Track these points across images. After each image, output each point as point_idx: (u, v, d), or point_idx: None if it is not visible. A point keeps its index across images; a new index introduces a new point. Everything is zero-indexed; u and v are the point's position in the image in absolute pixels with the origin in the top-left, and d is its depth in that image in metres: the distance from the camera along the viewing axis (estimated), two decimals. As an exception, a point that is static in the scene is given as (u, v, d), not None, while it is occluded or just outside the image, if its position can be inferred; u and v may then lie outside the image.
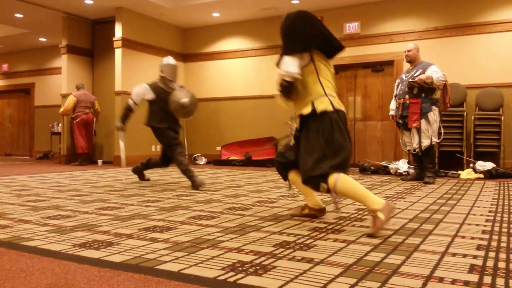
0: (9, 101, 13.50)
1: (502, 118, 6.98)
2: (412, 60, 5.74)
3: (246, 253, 2.13)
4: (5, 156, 13.13)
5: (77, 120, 8.87)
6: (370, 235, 2.48)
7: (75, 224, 2.85)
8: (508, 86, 7.19)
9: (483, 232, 2.63)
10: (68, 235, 2.53)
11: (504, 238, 2.46)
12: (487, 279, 1.75)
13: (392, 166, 6.76)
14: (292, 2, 8.29)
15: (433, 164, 5.68)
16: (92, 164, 9.24)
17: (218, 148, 9.70)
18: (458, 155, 6.99)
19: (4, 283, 1.71)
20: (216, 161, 9.20)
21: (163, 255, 2.08)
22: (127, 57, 8.78)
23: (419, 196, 4.23)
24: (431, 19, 7.79)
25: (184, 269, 1.87)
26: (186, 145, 10.01)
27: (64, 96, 9.25)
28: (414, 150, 5.66)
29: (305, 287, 1.65)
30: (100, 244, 2.30)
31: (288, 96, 2.89)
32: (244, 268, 1.89)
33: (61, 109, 8.97)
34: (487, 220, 3.01)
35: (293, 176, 3.06)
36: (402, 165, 6.66)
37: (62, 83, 9.51)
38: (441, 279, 1.74)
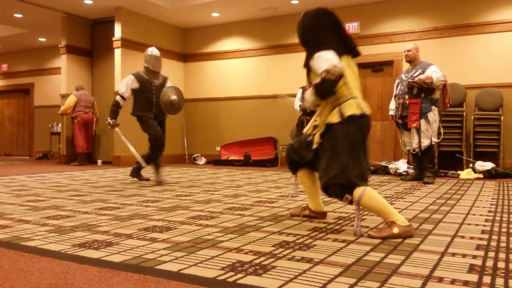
0: (9, 101, 13.49)
1: (502, 118, 6.98)
2: (412, 60, 5.74)
3: (246, 253, 2.14)
4: (4, 156, 13.12)
5: (77, 120, 8.88)
6: (371, 237, 2.47)
7: (74, 224, 2.85)
8: (507, 86, 7.19)
9: (483, 232, 2.64)
10: (67, 235, 2.53)
11: (503, 238, 2.46)
12: (487, 279, 1.75)
13: (392, 166, 6.76)
14: (292, 2, 8.29)
15: (432, 164, 5.68)
16: (92, 164, 9.23)
17: (218, 148, 9.70)
18: (457, 155, 6.99)
19: (4, 283, 1.71)
20: (215, 161, 9.20)
21: (163, 255, 2.09)
22: (127, 57, 8.78)
23: (419, 196, 4.23)
24: (430, 19, 7.79)
25: (183, 269, 1.87)
26: (186, 145, 10.03)
27: (64, 96, 9.25)
28: (414, 150, 5.66)
29: (305, 287, 1.66)
30: (100, 244, 2.30)
31: (326, 97, 2.62)
32: (243, 268, 1.89)
33: (61, 109, 8.98)
34: (486, 220, 3.01)
35: (303, 175, 3.00)
36: (402, 165, 6.66)
37: (62, 83, 9.50)
38: (440, 279, 1.75)
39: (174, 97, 5.40)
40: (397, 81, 5.93)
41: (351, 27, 8.34)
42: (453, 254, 2.12)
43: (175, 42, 10.12)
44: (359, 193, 2.52)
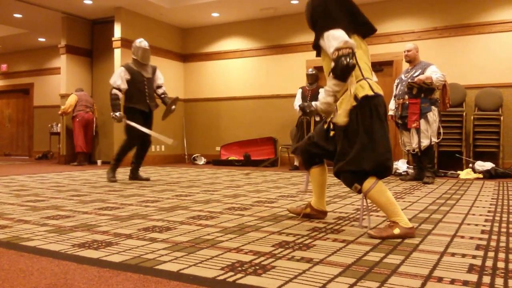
0: (8, 101, 13.49)
1: (501, 118, 6.98)
2: (412, 60, 5.75)
3: (245, 253, 2.14)
4: (4, 156, 13.12)
5: (78, 119, 8.90)
6: (371, 236, 2.47)
7: (74, 224, 2.85)
8: (507, 86, 7.20)
9: (482, 232, 2.64)
10: (67, 235, 2.53)
11: (503, 238, 2.47)
12: (486, 279, 1.75)
13: (392, 166, 6.75)
14: (292, 2, 8.29)
15: (432, 164, 5.68)
16: (92, 164, 9.23)
17: (218, 148, 9.70)
18: (457, 155, 6.99)
19: (3, 283, 1.71)
20: (215, 161, 9.20)
21: (163, 255, 2.09)
22: (126, 57, 8.74)
23: (418, 196, 4.24)
24: (430, 20, 7.79)
25: (183, 269, 1.87)
26: (185, 145, 10.03)
27: (63, 96, 9.25)
28: (413, 150, 5.67)
29: (304, 287, 1.66)
30: (99, 244, 2.30)
31: (347, 77, 2.46)
32: (243, 268, 1.89)
33: (63, 107, 8.98)
34: (486, 220, 3.01)
35: (316, 172, 2.94)
36: (402, 165, 6.67)
37: (61, 83, 9.50)
38: (440, 279, 1.75)
39: (174, 107, 5.79)
40: (396, 81, 5.93)
41: (351, 27, 8.34)
42: (453, 254, 2.12)
43: (175, 42, 10.12)
44: (369, 185, 2.50)
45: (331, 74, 2.49)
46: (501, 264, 1.95)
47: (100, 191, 4.66)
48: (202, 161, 9.60)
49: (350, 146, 2.50)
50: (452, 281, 1.72)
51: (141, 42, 5.64)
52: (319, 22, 2.58)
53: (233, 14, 9.18)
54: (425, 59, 6.01)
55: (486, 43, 7.37)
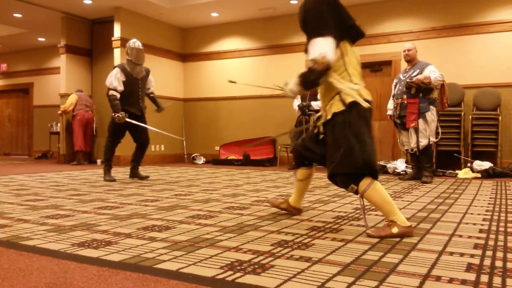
0: (8, 100, 13.49)
1: (500, 117, 6.99)
2: (411, 60, 5.76)
3: (245, 252, 2.14)
4: (4, 155, 13.11)
5: (78, 117, 8.93)
6: (370, 236, 2.48)
7: (74, 223, 2.86)
8: (505, 86, 7.21)
9: (480, 231, 2.65)
10: (66, 234, 2.54)
11: (501, 237, 2.47)
12: (484, 278, 1.76)
13: (390, 165, 6.77)
14: (291, 2, 8.29)
15: (430, 163, 5.70)
16: (91, 163, 9.24)
17: (217, 148, 9.71)
18: (455, 154, 7.00)
19: (3, 282, 1.72)
20: (215, 161, 9.21)
21: (162, 254, 2.09)
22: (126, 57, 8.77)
23: (417, 195, 4.25)
24: (428, 20, 7.80)
25: (182, 268, 1.88)
26: (185, 144, 10.03)
27: (63, 96, 9.26)
28: (412, 150, 5.68)
29: (303, 286, 1.66)
30: (99, 243, 2.31)
31: (309, 88, 2.67)
32: (242, 267, 1.89)
33: (63, 106, 9.00)
34: (484, 219, 3.02)
35: (303, 173, 3.04)
36: (400, 165, 6.68)
37: (61, 83, 9.50)
38: (438, 278, 1.75)
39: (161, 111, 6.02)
40: (395, 81, 5.94)
41: (350, 27, 8.34)
42: (451, 253, 2.13)
43: (174, 42, 10.12)
44: (365, 185, 2.53)
45: (299, 76, 2.60)
46: (499, 263, 1.96)
47: (100, 190, 4.66)
48: (201, 160, 9.61)
49: (339, 149, 2.54)
50: (450, 280, 1.73)
51: (135, 43, 5.66)
52: (311, 26, 2.59)
53: (232, 14, 9.19)
54: (423, 59, 6.02)
55: (484, 43, 7.38)
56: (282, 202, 3.22)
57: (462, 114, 7.11)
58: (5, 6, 8.76)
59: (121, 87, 5.45)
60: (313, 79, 2.53)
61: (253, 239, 2.42)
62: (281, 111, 8.88)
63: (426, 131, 5.51)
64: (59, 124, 9.94)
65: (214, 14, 9.20)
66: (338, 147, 2.55)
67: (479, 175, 6.19)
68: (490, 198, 4.11)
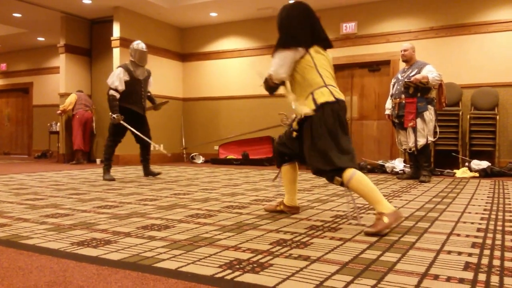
0: (8, 100, 13.48)
1: (497, 117, 7.00)
2: (408, 60, 5.77)
3: (243, 251, 2.15)
4: (3, 155, 13.11)
5: (77, 116, 8.96)
6: (368, 234, 2.50)
7: (73, 222, 2.87)
8: (503, 86, 7.22)
9: (478, 230, 2.66)
10: (66, 233, 2.54)
11: (498, 236, 2.48)
12: (482, 277, 1.76)
13: (388, 165, 6.78)
14: (289, 2, 8.28)
15: (428, 163, 5.71)
16: (91, 163, 9.24)
17: (216, 147, 9.71)
18: (453, 154, 7.02)
19: (3, 281, 1.73)
20: (214, 160, 9.22)
21: (161, 253, 2.10)
22: (125, 57, 8.74)
23: (415, 195, 4.26)
24: (427, 20, 7.81)
25: (181, 267, 1.89)
26: (184, 144, 10.04)
27: (63, 96, 9.27)
28: (410, 149, 5.69)
29: (302, 285, 1.67)
30: (98, 242, 2.32)
31: (271, 93, 3.01)
32: (241, 265, 1.90)
33: (62, 105, 9.01)
34: (482, 218, 3.03)
35: (287, 170, 3.13)
36: (398, 164, 6.69)
37: (60, 82, 9.50)
38: (436, 277, 1.76)
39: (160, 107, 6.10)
40: (393, 80, 5.95)
41: (348, 27, 8.36)
42: (449, 252, 2.13)
43: (174, 41, 10.12)
44: (348, 176, 2.64)
45: (264, 81, 2.97)
46: (496, 262, 1.97)
47: (99, 189, 4.67)
48: (200, 160, 9.62)
49: (316, 149, 2.71)
50: (448, 279, 1.73)
51: (139, 44, 5.73)
52: (280, 35, 2.90)
53: (231, 14, 9.19)
54: (421, 58, 6.04)
55: (482, 42, 7.39)
56: (278, 205, 3.25)
57: (460, 113, 7.12)
58: (4, 6, 8.76)
59: (122, 87, 5.50)
60: (268, 88, 2.98)
61: (252, 238, 2.43)
62: (280, 110, 8.86)
63: (424, 130, 5.53)
64: (58, 124, 9.95)
65: (213, 14, 9.21)
66: (315, 147, 2.72)
67: (477, 174, 6.21)
68: (488, 197, 4.13)
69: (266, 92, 3.07)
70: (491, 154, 7.05)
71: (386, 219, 2.50)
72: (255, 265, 1.91)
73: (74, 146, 9.00)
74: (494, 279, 1.74)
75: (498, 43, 7.28)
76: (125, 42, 8.76)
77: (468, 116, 7.12)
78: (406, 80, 5.56)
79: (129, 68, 5.62)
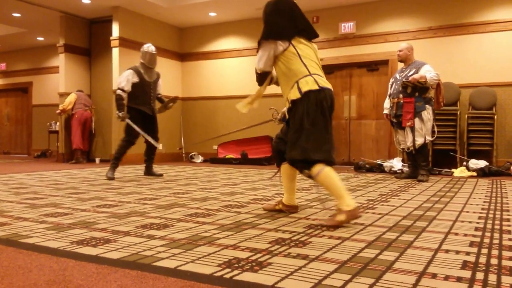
0: (7, 99, 13.47)
1: (495, 116, 7.01)
2: (403, 60, 5.79)
3: (242, 250, 2.16)
4: (3, 154, 13.10)
5: (76, 116, 8.97)
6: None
7: (72, 221, 2.87)
8: (501, 86, 7.23)
9: (476, 229, 2.66)
10: (65, 232, 2.55)
11: (496, 235, 2.49)
12: (480, 275, 1.77)
13: (387, 164, 6.79)
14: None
15: (426, 162, 5.73)
16: (90, 162, 9.24)
17: (215, 147, 9.71)
18: (451, 153, 7.03)
19: (3, 279, 1.73)
20: (213, 160, 9.22)
21: (160, 252, 2.11)
22: (124, 56, 8.78)
23: (413, 194, 4.27)
24: (425, 19, 7.82)
25: (180, 265, 1.90)
26: (183, 143, 10.04)
27: (62, 95, 9.27)
28: (408, 149, 5.70)
29: (301, 283, 1.68)
30: (98, 241, 2.32)
31: (261, 84, 3.12)
32: (240, 264, 1.91)
33: (60, 106, 9.01)
34: (479, 218, 3.04)
35: (286, 168, 3.16)
36: (396, 163, 6.70)
37: (60, 82, 9.49)
38: (434, 275, 1.77)
39: (171, 104, 6.13)
40: (391, 80, 5.97)
41: (347, 27, 8.37)
42: (447, 251, 2.14)
43: (172, 41, 10.13)
44: (317, 170, 2.76)
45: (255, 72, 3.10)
46: (494, 261, 1.98)
47: (99, 189, 4.68)
48: (199, 159, 9.62)
49: (296, 136, 2.81)
50: (446, 278, 1.74)
51: (149, 47, 5.94)
52: (264, 28, 2.97)
53: (230, 13, 9.19)
54: (420, 58, 6.05)
55: (480, 42, 7.40)
56: (276, 204, 3.28)
57: (458, 113, 7.13)
58: (4, 6, 8.76)
59: (128, 88, 5.66)
60: (258, 79, 3.12)
61: (250, 237, 2.44)
62: (279, 110, 8.88)
63: (422, 130, 5.54)
64: (58, 123, 9.95)
65: (212, 14, 9.21)
66: (296, 136, 2.81)
67: (474, 173, 6.22)
68: (486, 196, 4.14)
69: (265, 92, 3.13)
70: (489, 153, 7.06)
71: (340, 217, 2.66)
72: (254, 264, 1.92)
73: (73, 145, 9.00)
74: (492, 277, 1.75)
75: (496, 43, 7.29)
76: (124, 42, 8.77)
77: (466, 116, 7.13)
78: (404, 79, 5.57)
79: (139, 70, 5.77)
